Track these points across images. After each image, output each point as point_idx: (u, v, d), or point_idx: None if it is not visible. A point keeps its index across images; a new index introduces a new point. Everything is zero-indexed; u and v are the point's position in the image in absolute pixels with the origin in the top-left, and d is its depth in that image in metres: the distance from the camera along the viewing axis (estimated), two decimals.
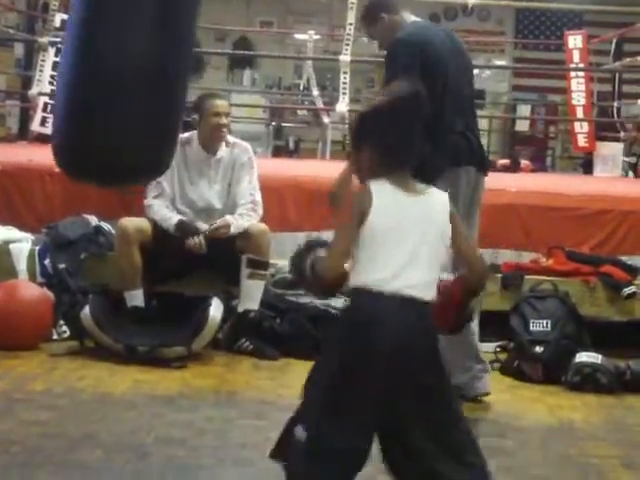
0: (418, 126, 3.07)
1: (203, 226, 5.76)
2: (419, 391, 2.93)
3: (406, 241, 2.96)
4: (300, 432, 3.01)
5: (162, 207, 5.80)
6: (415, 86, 3.12)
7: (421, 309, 2.95)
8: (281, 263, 6.04)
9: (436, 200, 3.05)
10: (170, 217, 5.75)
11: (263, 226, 5.80)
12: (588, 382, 5.31)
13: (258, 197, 5.88)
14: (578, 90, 11.65)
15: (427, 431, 2.93)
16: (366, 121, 3.08)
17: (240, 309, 5.73)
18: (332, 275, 3.00)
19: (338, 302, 5.97)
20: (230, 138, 5.97)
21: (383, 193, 2.97)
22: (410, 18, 4.96)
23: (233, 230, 5.69)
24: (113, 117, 3.23)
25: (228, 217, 5.74)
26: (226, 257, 5.69)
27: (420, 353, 2.93)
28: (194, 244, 5.67)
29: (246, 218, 5.76)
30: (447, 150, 4.79)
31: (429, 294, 2.96)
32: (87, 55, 3.24)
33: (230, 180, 5.89)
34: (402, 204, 2.98)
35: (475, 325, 5.02)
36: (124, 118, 3.23)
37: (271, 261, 5.85)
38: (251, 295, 5.74)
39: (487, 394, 4.98)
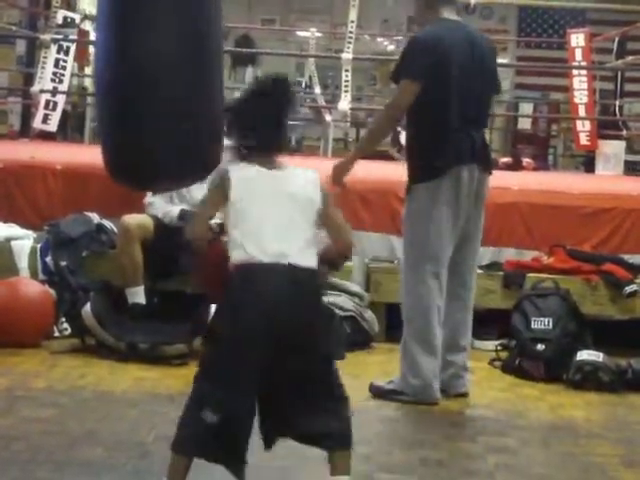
0: (279, 113, 3.27)
1: None
2: (293, 353, 3.14)
3: (276, 212, 3.18)
4: (210, 416, 3.16)
5: (162, 203, 5.81)
6: (277, 77, 3.31)
7: (295, 275, 3.13)
8: None
9: (302, 176, 3.30)
10: (171, 209, 5.80)
11: None
12: (589, 380, 5.31)
13: None
14: (580, 88, 11.61)
15: (294, 385, 3.18)
16: (233, 108, 3.35)
17: None
18: (196, 237, 3.30)
19: (335, 298, 5.99)
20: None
21: (243, 172, 3.23)
22: (448, 15, 4.99)
23: None
24: (159, 118, 3.28)
25: None
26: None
27: (297, 316, 3.13)
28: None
29: None
30: (451, 148, 4.81)
31: (303, 260, 3.14)
32: (123, 56, 3.28)
33: None
34: (265, 179, 3.23)
35: (468, 322, 5.04)
36: (169, 119, 3.28)
37: None
38: None
39: (465, 394, 4.99)
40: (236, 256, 3.15)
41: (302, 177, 3.30)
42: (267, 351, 3.12)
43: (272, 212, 3.19)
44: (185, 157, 3.38)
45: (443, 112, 4.83)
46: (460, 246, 4.93)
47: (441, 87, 4.82)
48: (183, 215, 5.75)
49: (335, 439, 3.25)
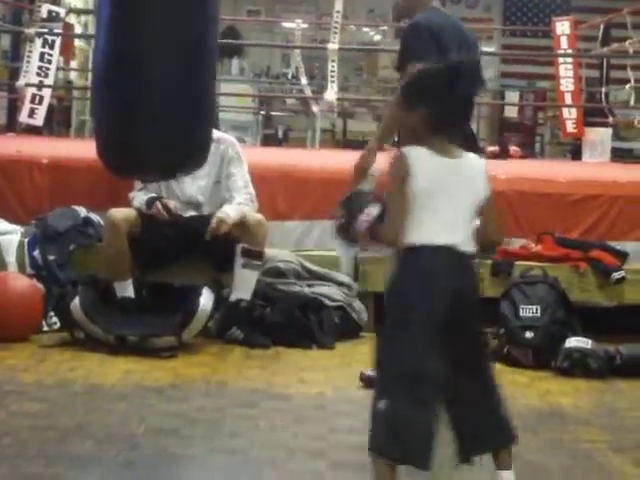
0: (467, 96, 3.23)
1: (171, 202, 5.79)
2: (469, 339, 3.20)
3: (450, 201, 3.16)
4: (382, 404, 3.10)
5: (141, 195, 5.82)
6: (474, 60, 3.37)
7: (466, 261, 3.20)
8: (271, 252, 6.04)
9: (474, 164, 3.26)
10: (143, 199, 5.78)
11: (260, 216, 5.81)
12: (578, 367, 5.33)
13: (252, 190, 5.90)
14: (566, 76, 11.64)
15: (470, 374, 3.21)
16: (424, 83, 3.23)
17: (232, 298, 5.73)
18: (393, 242, 3.20)
19: (324, 289, 6.00)
20: (215, 133, 5.96)
21: (422, 158, 3.14)
22: (437, 5, 4.98)
23: (232, 216, 5.66)
24: (150, 103, 3.29)
25: (223, 209, 5.71)
26: (218, 244, 5.69)
27: (471, 303, 3.21)
28: (154, 209, 5.69)
29: (244, 206, 5.77)
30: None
31: (469, 247, 3.19)
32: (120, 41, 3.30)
33: (218, 176, 5.88)
34: (441, 166, 3.16)
35: None
36: (161, 104, 3.29)
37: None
38: (244, 284, 5.74)
39: None
40: (412, 239, 3.15)
41: (476, 165, 3.27)
42: (450, 337, 3.11)
43: (448, 199, 3.17)
44: (177, 146, 3.39)
45: None
46: None
47: None
48: (149, 202, 5.76)
49: (508, 434, 3.26)
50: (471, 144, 4.97)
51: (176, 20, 3.28)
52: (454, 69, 3.19)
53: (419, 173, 3.12)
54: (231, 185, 5.86)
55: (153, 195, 5.80)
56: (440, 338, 3.09)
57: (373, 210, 3.26)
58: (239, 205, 5.76)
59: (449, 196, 3.16)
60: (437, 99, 3.16)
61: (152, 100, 3.30)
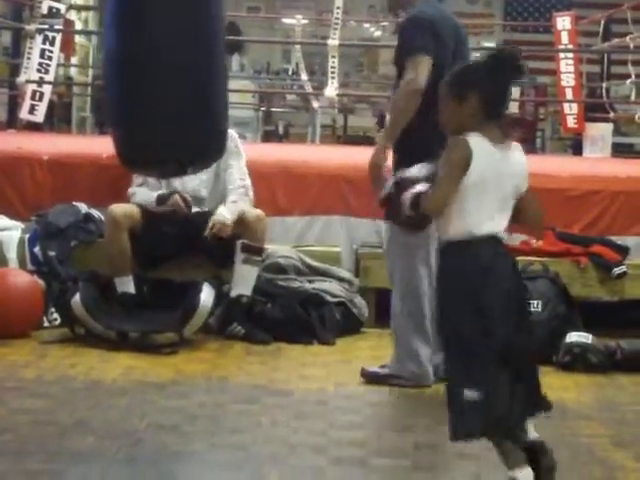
0: (511, 82, 3.35)
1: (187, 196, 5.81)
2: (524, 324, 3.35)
3: (498, 190, 3.30)
4: (471, 394, 3.21)
5: (145, 191, 5.82)
6: (515, 48, 3.44)
7: (508, 252, 3.39)
8: (271, 248, 6.04)
9: (519, 156, 3.40)
10: (150, 196, 5.79)
11: (259, 212, 5.80)
12: (579, 362, 5.33)
13: (248, 182, 5.90)
14: (567, 71, 11.62)
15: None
16: (471, 72, 3.38)
17: (233, 294, 5.73)
18: (435, 212, 3.33)
19: (325, 285, 6.00)
20: None
21: (480, 145, 3.25)
22: None
23: (230, 217, 5.67)
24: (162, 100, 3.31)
25: (219, 211, 5.70)
26: (218, 240, 5.69)
27: (522, 289, 3.49)
28: (174, 203, 5.70)
29: (240, 203, 5.77)
30: (441, 143, 4.78)
31: (504, 236, 3.36)
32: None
33: (217, 169, 5.87)
34: (495, 156, 3.28)
35: None
36: (173, 102, 3.33)
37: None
38: (245, 280, 5.74)
39: None
40: (460, 228, 3.28)
41: (520, 158, 3.41)
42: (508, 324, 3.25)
43: (495, 189, 3.29)
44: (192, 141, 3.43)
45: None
46: None
47: (439, 72, 4.60)
48: (160, 198, 5.78)
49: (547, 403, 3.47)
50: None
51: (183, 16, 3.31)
52: (499, 57, 3.32)
53: (477, 166, 3.23)
54: (228, 177, 5.87)
55: (163, 192, 5.80)
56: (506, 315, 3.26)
57: (420, 187, 3.36)
58: (233, 203, 5.75)
59: (496, 187, 3.29)
60: (488, 84, 3.29)
61: (165, 97, 3.32)
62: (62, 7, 11.09)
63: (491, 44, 18.59)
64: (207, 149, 3.54)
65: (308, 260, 6.15)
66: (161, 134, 3.38)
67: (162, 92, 3.33)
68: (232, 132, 6.05)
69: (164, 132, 3.37)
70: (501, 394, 3.21)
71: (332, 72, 8.51)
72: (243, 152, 5.98)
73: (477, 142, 3.25)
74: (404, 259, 4.87)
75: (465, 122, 3.30)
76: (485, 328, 3.21)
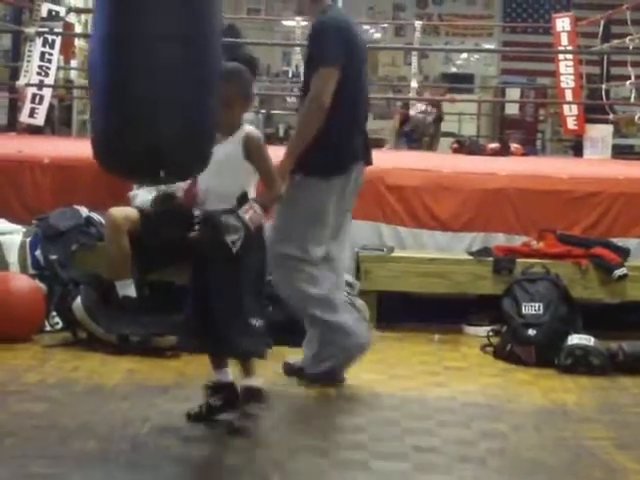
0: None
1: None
2: None
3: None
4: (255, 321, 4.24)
5: (144, 193, 5.81)
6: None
7: None
8: None
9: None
10: (149, 198, 5.77)
11: None
12: (581, 364, 5.33)
13: None
14: (567, 73, 11.63)
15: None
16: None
17: None
18: None
19: None
20: None
21: None
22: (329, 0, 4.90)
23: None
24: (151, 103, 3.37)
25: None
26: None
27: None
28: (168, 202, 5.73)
29: None
30: (351, 148, 4.82)
31: None
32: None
33: None
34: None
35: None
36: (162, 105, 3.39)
37: None
38: None
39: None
40: None
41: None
42: None
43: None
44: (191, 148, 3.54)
45: (353, 105, 4.77)
46: (339, 227, 4.95)
47: (352, 78, 4.71)
48: (157, 198, 5.75)
49: None
50: (368, 149, 5.01)
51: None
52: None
53: None
54: None
55: (158, 193, 5.80)
56: None
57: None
58: None
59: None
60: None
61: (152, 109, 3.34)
62: (62, 10, 11.10)
63: (491, 45, 18.61)
64: (188, 160, 3.57)
65: None
66: (137, 140, 3.38)
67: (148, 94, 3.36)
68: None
69: (140, 138, 3.38)
70: None
71: None
72: None
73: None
74: (300, 260, 4.92)
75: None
76: None
